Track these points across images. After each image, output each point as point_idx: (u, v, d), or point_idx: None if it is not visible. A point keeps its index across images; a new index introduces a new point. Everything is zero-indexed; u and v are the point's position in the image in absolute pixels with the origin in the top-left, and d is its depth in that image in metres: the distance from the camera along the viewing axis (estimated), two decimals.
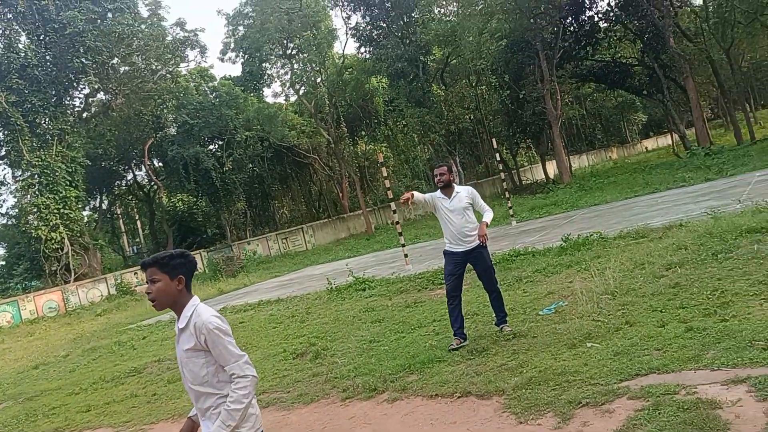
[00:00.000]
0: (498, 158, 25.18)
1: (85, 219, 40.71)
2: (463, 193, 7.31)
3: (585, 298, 7.74)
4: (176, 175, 42.59)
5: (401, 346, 7.98)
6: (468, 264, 7.42)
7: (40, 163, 31.30)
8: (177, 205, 53.14)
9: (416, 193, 7.25)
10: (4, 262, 41.48)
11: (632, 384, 4.89)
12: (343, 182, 47.91)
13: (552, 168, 44.08)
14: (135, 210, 57.06)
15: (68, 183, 32.27)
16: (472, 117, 40.96)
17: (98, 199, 48.89)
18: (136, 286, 33.60)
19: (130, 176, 49.59)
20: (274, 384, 7.78)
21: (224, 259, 33.45)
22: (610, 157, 65.22)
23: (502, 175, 24.84)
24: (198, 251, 40.31)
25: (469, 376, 6.07)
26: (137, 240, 62.80)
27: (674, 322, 6.09)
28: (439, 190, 7.45)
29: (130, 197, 53.26)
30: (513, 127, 40.05)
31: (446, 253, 7.47)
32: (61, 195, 31.70)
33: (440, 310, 9.27)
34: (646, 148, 71.46)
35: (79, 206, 34.75)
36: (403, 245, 16.81)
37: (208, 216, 50.85)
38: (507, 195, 23.78)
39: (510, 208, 22.69)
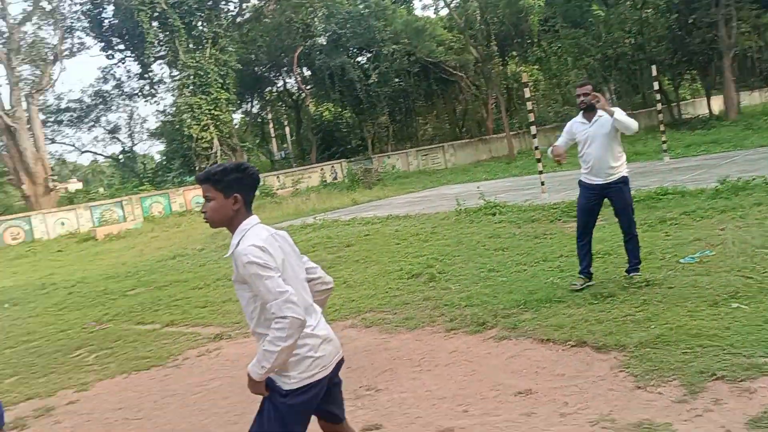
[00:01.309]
0: (657, 88, 23.04)
1: (235, 121, 42.24)
2: (607, 116, 6.41)
3: (737, 250, 6.80)
4: (322, 84, 43.00)
5: (520, 279, 7.45)
6: (605, 199, 6.68)
7: (194, 64, 32.45)
8: (323, 114, 54.01)
9: (560, 146, 6.57)
10: (164, 157, 44.47)
11: None
12: (489, 103, 46.43)
13: (717, 103, 40.20)
14: (284, 116, 58.61)
15: (220, 85, 33.34)
16: (632, 41, 37.78)
17: (250, 104, 50.57)
18: (277, 189, 34.79)
19: (280, 83, 50.72)
20: (383, 303, 7.55)
21: (363, 171, 33.79)
22: None
23: (659, 106, 22.70)
24: (340, 161, 41.05)
25: (589, 323, 5.46)
26: (285, 145, 64.90)
27: None
28: (580, 114, 6.66)
29: (279, 104, 54.64)
30: (677, 56, 36.52)
31: (580, 184, 6.73)
32: (212, 96, 32.88)
33: (570, 245, 8.57)
34: None
35: (230, 109, 35.98)
36: (541, 172, 15.93)
37: (352, 127, 51.35)
38: (662, 128, 21.80)
39: (664, 142, 20.85)
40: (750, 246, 6.87)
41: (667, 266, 6.87)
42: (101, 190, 45.38)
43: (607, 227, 9.00)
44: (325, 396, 2.97)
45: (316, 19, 40.74)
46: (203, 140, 32.97)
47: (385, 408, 4.58)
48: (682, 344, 4.61)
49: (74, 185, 56.31)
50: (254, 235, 2.80)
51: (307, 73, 47.41)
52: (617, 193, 6.50)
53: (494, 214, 13.04)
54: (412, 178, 35.03)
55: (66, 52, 37.64)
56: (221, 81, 33.41)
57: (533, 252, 8.92)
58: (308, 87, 46.64)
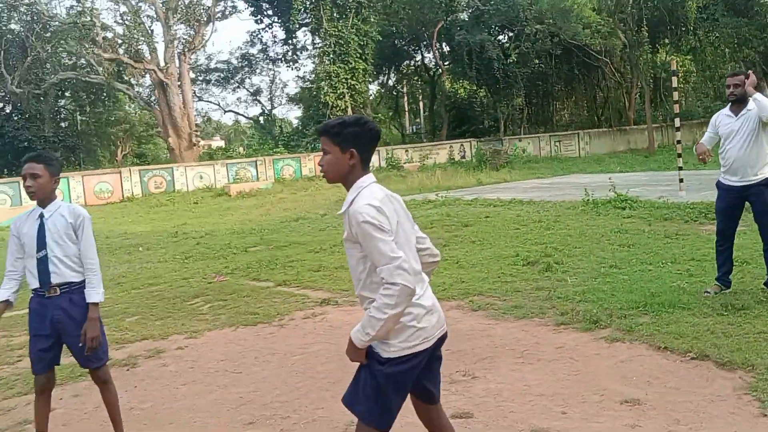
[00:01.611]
0: None
1: (371, 92, 42.57)
2: (756, 111, 5.75)
3: None
4: (460, 61, 42.47)
5: (643, 280, 6.97)
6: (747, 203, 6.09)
7: (336, 33, 32.98)
8: (458, 91, 53.47)
9: (705, 142, 6.06)
10: (300, 122, 45.79)
11: None
12: (633, 92, 44.18)
13: None
14: (419, 91, 58.64)
15: (359, 55, 33.73)
16: None
17: (386, 76, 50.91)
18: (404, 163, 34.90)
19: (418, 57, 50.66)
20: (493, 288, 7.31)
21: (491, 152, 33.20)
22: None
23: None
24: (469, 140, 40.61)
25: (715, 335, 4.99)
26: (417, 120, 65.01)
27: None
28: (727, 106, 6.07)
29: (416, 78, 54.65)
30: None
31: (719, 186, 6.18)
32: (350, 66, 33.34)
33: (704, 248, 7.99)
34: None
35: (366, 79, 36.33)
36: (681, 168, 14.90)
37: (485, 107, 50.56)
38: None
39: None
40: None
41: None
42: (240, 149, 47.51)
43: (748, 233, 8.26)
44: (424, 370, 2.84)
45: None
46: (338, 108, 33.54)
47: (479, 397, 4.39)
48: None
49: (217, 143, 59.31)
50: (370, 194, 2.70)
51: (445, 48, 47.02)
52: (759, 196, 5.91)
53: (624, 209, 12.42)
54: (542, 163, 34.10)
55: (218, 15, 39.38)
56: (360, 51, 33.80)
57: (661, 252, 8.36)
58: (446, 63, 46.27)
